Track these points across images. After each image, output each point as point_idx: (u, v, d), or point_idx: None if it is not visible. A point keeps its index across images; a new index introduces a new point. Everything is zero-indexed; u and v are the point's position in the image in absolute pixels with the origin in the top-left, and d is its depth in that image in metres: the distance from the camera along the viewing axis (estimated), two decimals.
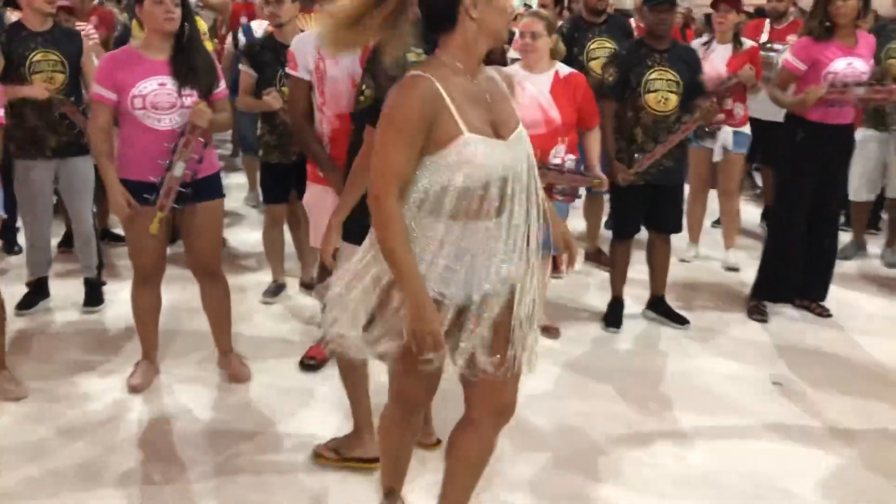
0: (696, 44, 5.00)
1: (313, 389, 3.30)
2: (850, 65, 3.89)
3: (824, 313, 4.21)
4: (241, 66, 4.10)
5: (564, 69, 3.69)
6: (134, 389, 3.24)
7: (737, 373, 3.54)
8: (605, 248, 4.75)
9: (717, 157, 4.78)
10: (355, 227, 2.35)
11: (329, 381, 3.28)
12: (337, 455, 2.76)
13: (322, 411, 3.12)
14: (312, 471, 2.74)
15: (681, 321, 4.06)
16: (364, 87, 2.40)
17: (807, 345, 3.91)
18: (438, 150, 1.84)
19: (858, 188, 4.96)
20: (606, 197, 4.62)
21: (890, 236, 5.21)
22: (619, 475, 2.77)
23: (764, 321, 4.11)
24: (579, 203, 5.21)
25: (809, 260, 4.22)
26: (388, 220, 1.85)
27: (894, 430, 3.08)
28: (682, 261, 4.93)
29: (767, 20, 5.39)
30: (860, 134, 4.70)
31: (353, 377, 2.71)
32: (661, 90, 3.79)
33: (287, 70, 2.97)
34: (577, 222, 5.27)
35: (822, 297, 4.27)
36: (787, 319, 4.17)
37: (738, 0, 4.66)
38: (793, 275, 4.18)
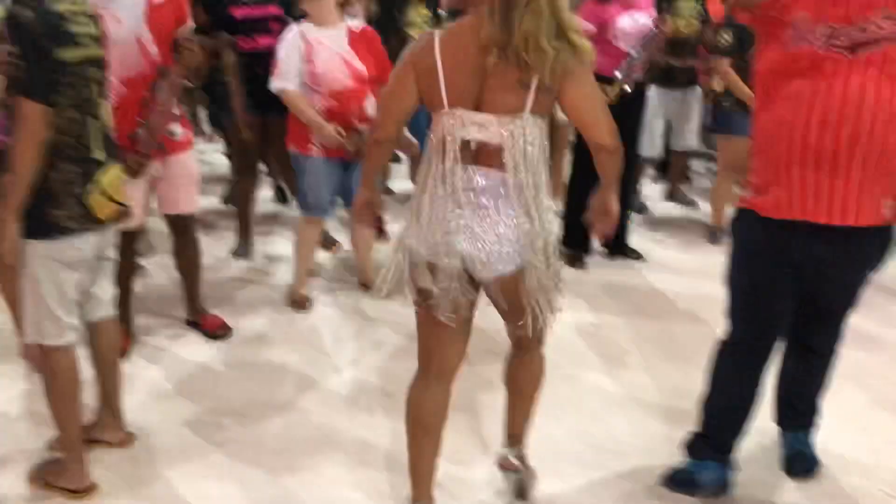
0: None
1: (134, 374, 3.12)
2: (634, 19, 4.10)
3: (638, 257, 4.52)
4: None
5: (355, 23, 3.63)
6: None
7: (560, 317, 3.71)
8: None
9: None
10: (31, 219, 2.17)
11: (151, 368, 3.12)
12: (43, 481, 2.42)
13: (143, 394, 2.97)
14: (118, 464, 2.60)
15: None
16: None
17: (623, 287, 4.17)
18: None
19: (646, 144, 5.07)
20: None
21: (672, 185, 5.67)
22: (464, 418, 2.83)
23: (583, 268, 4.33)
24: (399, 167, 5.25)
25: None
26: None
27: (699, 358, 3.36)
28: None
29: None
30: (651, 92, 4.99)
31: (62, 388, 2.34)
32: None
33: None
34: (405, 184, 5.30)
35: (623, 243, 4.53)
36: (604, 266, 4.42)
37: None
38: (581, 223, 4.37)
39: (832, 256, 2.20)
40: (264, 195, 5.39)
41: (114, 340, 2.60)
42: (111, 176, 2.31)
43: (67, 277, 2.28)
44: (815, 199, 2.10)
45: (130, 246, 3.11)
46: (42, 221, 2.18)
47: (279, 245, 4.58)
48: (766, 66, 2.18)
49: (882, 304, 3.99)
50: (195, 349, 3.34)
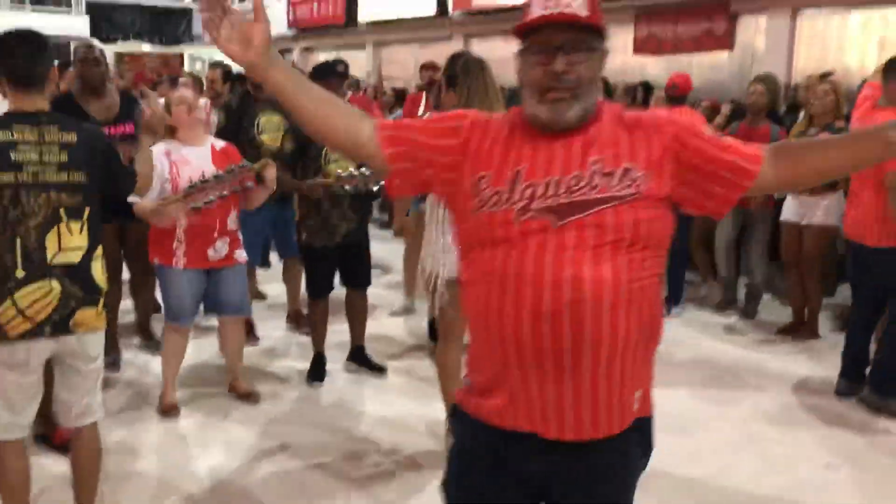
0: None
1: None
2: None
3: None
4: None
5: (218, 141, 3.84)
6: None
7: (423, 415, 3.87)
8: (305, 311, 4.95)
9: None
10: None
11: None
12: None
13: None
14: None
15: (379, 370, 4.35)
16: None
17: None
18: None
19: None
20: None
21: None
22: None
23: None
24: (279, 270, 5.39)
25: None
26: None
27: None
28: (394, 314, 5.32)
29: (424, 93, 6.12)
30: None
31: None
32: (341, 160, 4.06)
33: None
34: (276, 287, 5.42)
35: None
36: None
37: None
38: None
39: (576, 474, 1.65)
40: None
41: (85, 451, 2.63)
42: (29, 294, 2.33)
43: (5, 377, 2.35)
44: (542, 409, 1.57)
45: None
46: None
47: (147, 354, 4.56)
48: (460, 237, 1.69)
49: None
50: (54, 463, 3.27)
